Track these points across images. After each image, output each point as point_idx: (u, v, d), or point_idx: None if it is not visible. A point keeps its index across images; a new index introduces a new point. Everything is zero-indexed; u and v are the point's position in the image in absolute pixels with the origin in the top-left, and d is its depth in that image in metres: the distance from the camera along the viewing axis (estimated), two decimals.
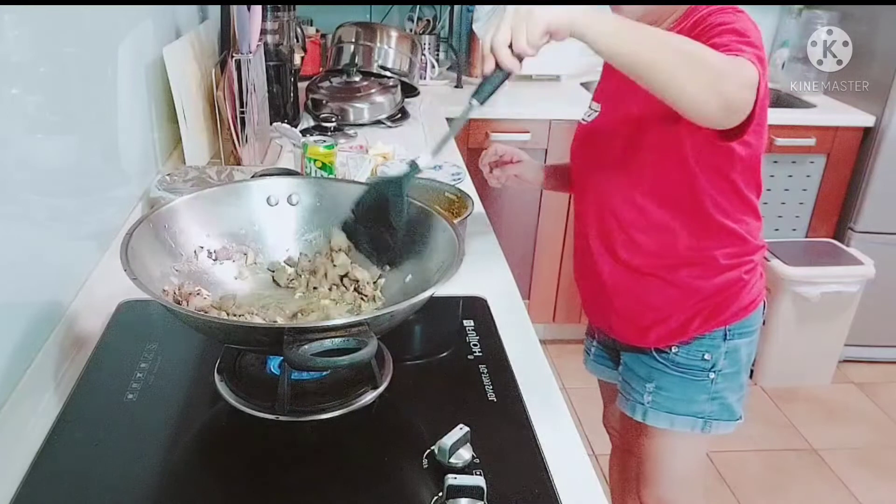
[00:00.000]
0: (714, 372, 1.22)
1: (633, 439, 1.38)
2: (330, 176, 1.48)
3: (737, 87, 0.89)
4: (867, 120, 2.50)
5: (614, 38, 0.87)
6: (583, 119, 1.26)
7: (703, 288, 1.18)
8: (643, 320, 1.24)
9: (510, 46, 0.84)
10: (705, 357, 1.22)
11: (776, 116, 2.47)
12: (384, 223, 0.94)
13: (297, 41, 2.15)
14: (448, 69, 2.81)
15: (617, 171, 1.17)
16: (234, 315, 0.96)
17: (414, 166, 0.93)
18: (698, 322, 1.20)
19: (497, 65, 0.86)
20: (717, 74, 0.87)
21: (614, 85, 1.19)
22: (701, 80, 0.87)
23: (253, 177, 1.32)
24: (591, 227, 1.26)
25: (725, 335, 1.21)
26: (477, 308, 1.15)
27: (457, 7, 2.77)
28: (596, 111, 1.23)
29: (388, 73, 2.36)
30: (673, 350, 1.23)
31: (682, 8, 1.09)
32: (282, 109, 2.04)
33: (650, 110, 1.05)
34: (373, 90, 2.22)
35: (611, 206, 1.20)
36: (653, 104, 0.95)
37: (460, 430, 0.81)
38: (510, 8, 0.85)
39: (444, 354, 1.06)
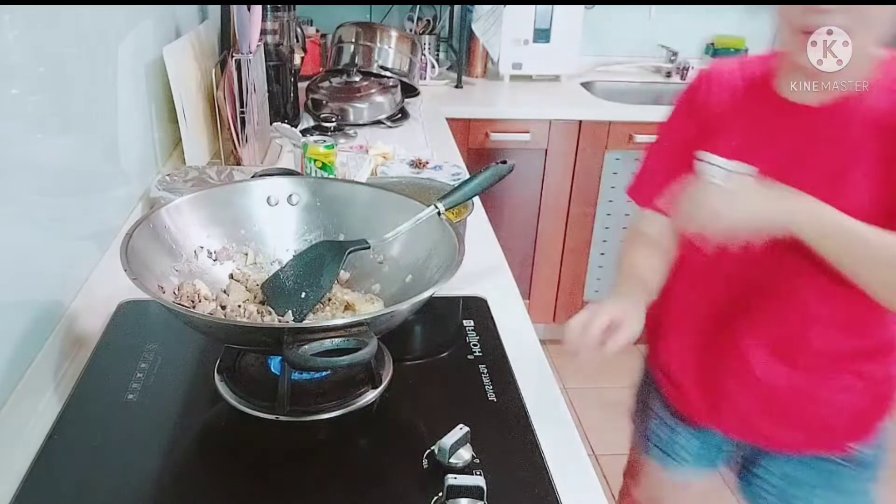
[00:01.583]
0: (880, 465, 1.10)
1: None
2: (330, 176, 1.48)
3: None
4: None
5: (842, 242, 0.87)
6: (712, 177, 0.99)
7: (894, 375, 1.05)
8: (831, 425, 1.06)
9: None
10: (880, 448, 1.09)
11: None
12: (311, 280, 0.97)
13: (297, 41, 2.15)
14: (448, 69, 2.81)
15: (811, 256, 0.91)
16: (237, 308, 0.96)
17: (363, 243, 0.98)
18: (888, 413, 1.06)
19: None
20: None
21: (778, 153, 0.98)
22: None
23: (253, 177, 1.32)
24: (750, 325, 1.04)
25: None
26: (477, 308, 1.15)
27: (457, 7, 2.76)
28: (742, 172, 0.97)
29: (388, 73, 2.36)
30: (857, 448, 1.07)
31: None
32: (282, 109, 2.04)
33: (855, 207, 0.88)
34: (373, 90, 2.22)
35: (797, 302, 1.00)
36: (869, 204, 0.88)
37: (460, 430, 0.81)
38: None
39: (444, 354, 1.05)
